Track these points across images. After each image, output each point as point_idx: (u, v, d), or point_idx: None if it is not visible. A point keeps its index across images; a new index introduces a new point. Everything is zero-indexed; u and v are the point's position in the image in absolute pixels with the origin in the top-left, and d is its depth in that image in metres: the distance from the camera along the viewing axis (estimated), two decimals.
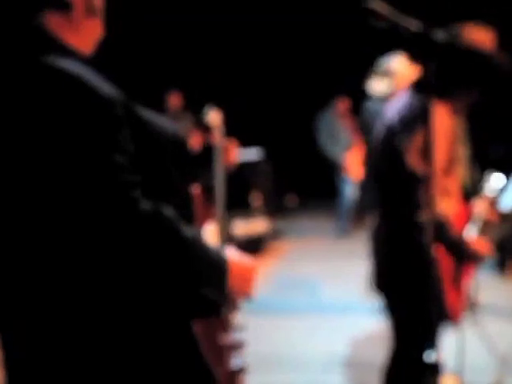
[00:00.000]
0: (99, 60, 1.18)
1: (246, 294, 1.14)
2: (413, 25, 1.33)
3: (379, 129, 2.23)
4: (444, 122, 2.08)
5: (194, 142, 6.83)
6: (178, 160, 1.16)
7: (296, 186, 9.20)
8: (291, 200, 9.28)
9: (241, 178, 7.08)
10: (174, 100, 6.69)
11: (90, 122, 0.99)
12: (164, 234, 0.99)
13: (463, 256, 2.12)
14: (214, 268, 1.05)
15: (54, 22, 1.09)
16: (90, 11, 1.13)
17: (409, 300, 2.15)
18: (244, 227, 6.05)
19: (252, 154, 7.06)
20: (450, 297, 2.13)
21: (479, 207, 2.32)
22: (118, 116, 1.03)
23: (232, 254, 1.13)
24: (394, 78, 3.87)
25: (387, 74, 3.91)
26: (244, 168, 7.24)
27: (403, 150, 2.02)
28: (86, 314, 1.03)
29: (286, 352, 3.62)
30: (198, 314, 1.08)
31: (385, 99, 3.91)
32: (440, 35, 1.33)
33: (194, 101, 6.85)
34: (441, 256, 2.06)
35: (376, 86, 3.97)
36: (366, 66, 4.26)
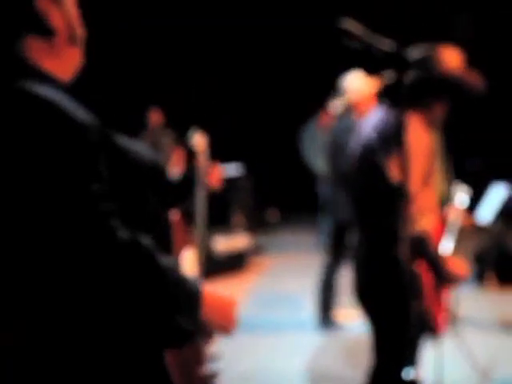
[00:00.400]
0: (79, 77, 1.19)
1: (226, 330, 1.15)
2: (386, 44, 1.36)
3: (355, 146, 2.25)
4: (420, 135, 2.11)
5: (177, 159, 6.85)
6: (156, 187, 1.17)
7: (277, 200, 9.23)
8: (273, 215, 9.31)
9: (221, 193, 7.09)
10: (155, 117, 6.70)
11: (65, 149, 0.98)
12: (141, 263, 1.00)
13: (441, 275, 2.14)
14: (188, 297, 1.06)
15: (34, 47, 1.09)
16: (72, 40, 1.14)
17: (390, 315, 2.16)
18: (225, 243, 6.04)
19: (232, 169, 7.07)
20: (432, 310, 2.15)
21: (453, 216, 2.36)
22: (93, 143, 1.02)
23: (209, 289, 1.13)
24: (347, 96, 3.99)
25: (342, 92, 4.03)
26: (224, 184, 7.26)
27: (384, 165, 2.04)
28: (61, 342, 1.03)
29: (267, 369, 3.61)
30: (171, 343, 1.08)
31: (349, 116, 4.01)
32: (412, 54, 1.36)
33: (174, 116, 6.87)
34: (422, 269, 2.09)
35: (335, 104, 4.09)
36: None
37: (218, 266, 5.83)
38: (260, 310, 4.89)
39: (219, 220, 6.89)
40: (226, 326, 1.15)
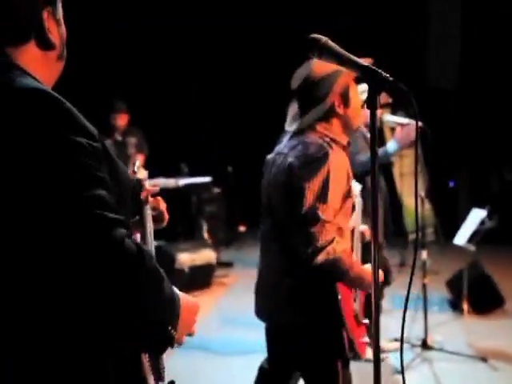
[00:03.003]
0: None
1: (189, 332, 1.27)
2: (361, 61, 1.40)
3: (276, 168, 2.28)
4: (340, 160, 2.19)
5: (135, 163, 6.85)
6: (132, 205, 1.27)
7: (248, 214, 9.24)
8: (243, 229, 9.31)
9: (189, 205, 7.10)
10: (121, 121, 6.71)
11: (75, 148, 1.04)
12: (150, 274, 1.09)
13: (362, 287, 2.24)
14: (174, 305, 1.17)
15: (30, 55, 1.20)
16: (61, 57, 1.29)
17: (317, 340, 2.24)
18: (191, 256, 6.03)
19: (203, 180, 7.10)
20: (354, 332, 2.27)
21: (364, 232, 2.53)
22: (99, 149, 1.09)
23: (180, 293, 1.24)
24: None
25: None
26: (194, 194, 7.27)
27: (305, 188, 2.11)
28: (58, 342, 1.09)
29: None
30: (158, 347, 1.16)
31: None
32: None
33: (140, 117, 6.90)
34: (342, 292, 2.20)
35: None
36: None
37: (182, 279, 5.80)
38: (225, 328, 4.88)
39: (187, 232, 6.89)
40: (190, 328, 1.26)
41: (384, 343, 4.17)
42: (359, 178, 3.85)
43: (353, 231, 2.39)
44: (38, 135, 1.03)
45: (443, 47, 9.33)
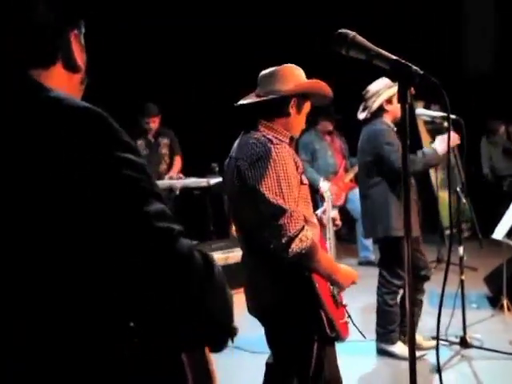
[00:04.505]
0: None
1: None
2: (389, 56, 1.40)
3: (230, 166, 2.37)
4: (285, 152, 2.25)
5: (175, 166, 6.92)
6: None
7: None
8: None
9: (222, 204, 7.13)
10: (154, 124, 6.78)
11: (127, 165, 1.06)
12: (217, 285, 1.18)
13: (333, 282, 2.35)
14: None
15: (57, 76, 1.21)
16: (84, 81, 1.32)
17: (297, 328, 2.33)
18: (224, 255, 6.07)
19: None
20: (333, 313, 2.33)
21: (335, 217, 2.63)
22: (145, 164, 1.12)
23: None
24: (373, 100, 3.98)
25: (368, 97, 4.03)
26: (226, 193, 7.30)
27: (260, 187, 2.19)
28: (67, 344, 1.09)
29: None
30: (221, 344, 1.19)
31: (376, 122, 4.02)
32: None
33: (172, 117, 6.91)
34: (318, 278, 2.28)
35: (361, 110, 4.10)
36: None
37: None
38: (258, 327, 4.88)
39: (220, 231, 6.93)
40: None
41: (421, 341, 4.13)
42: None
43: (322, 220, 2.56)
44: (95, 155, 1.05)
45: (479, 37, 9.19)
